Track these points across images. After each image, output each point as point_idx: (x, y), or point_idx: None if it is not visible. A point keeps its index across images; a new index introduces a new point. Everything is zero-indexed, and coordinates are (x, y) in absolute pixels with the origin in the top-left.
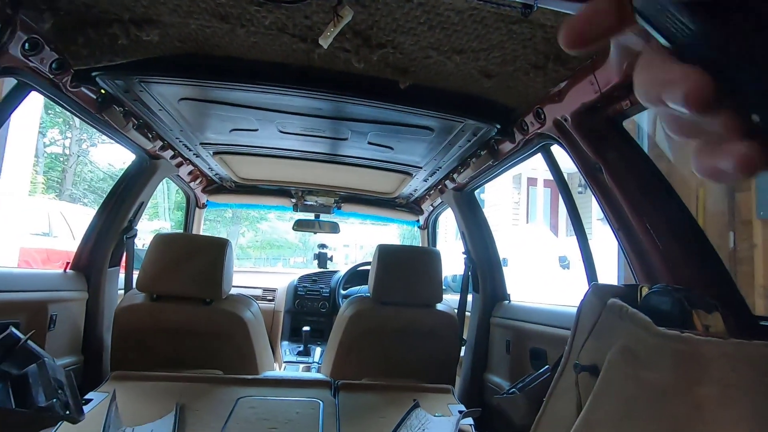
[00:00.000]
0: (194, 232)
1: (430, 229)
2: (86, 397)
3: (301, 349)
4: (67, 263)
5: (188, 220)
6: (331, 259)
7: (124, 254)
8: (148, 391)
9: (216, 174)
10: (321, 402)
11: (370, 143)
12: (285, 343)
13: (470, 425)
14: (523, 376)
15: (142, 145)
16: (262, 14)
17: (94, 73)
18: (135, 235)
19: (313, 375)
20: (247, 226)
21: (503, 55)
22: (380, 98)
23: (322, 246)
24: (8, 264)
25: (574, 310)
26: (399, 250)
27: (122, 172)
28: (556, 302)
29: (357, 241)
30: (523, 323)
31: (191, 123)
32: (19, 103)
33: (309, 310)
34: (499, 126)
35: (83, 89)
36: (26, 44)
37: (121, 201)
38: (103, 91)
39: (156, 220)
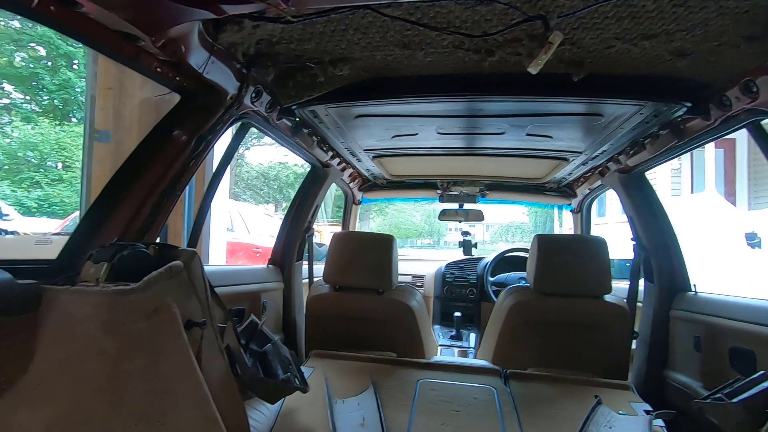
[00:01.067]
0: (351, 226)
1: (584, 213)
2: None
3: (453, 333)
4: (269, 259)
5: (346, 215)
6: (475, 246)
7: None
8: (343, 368)
9: (371, 173)
10: (494, 389)
11: (528, 134)
12: (437, 327)
13: (661, 427)
14: (728, 380)
15: (319, 157)
16: (442, 37)
17: (293, 107)
18: (313, 234)
19: (481, 362)
20: (376, 212)
21: (705, 32)
22: (549, 93)
23: (466, 234)
24: (221, 256)
25: None
26: (560, 240)
27: (270, 170)
28: (745, 286)
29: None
30: (718, 319)
31: (360, 134)
32: (243, 138)
33: (457, 296)
34: (689, 104)
35: (284, 120)
36: (253, 93)
37: (302, 205)
38: (297, 119)
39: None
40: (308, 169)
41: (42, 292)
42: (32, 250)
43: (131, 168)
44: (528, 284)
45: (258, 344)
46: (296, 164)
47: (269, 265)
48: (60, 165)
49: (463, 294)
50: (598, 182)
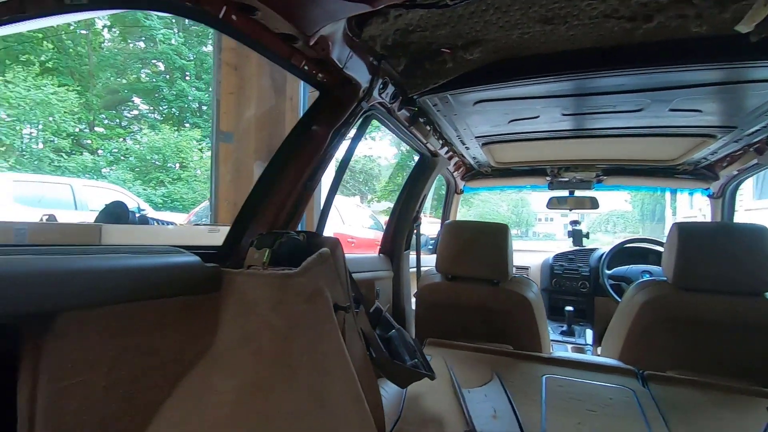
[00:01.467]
0: (452, 216)
1: (727, 198)
2: None
3: (564, 328)
4: (379, 248)
5: (447, 205)
6: (587, 236)
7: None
8: (460, 358)
9: (477, 161)
10: (632, 391)
11: (672, 110)
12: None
13: None
14: None
15: (430, 147)
16: (593, 6)
17: (415, 96)
18: (420, 224)
19: (611, 361)
20: (461, 202)
21: None
22: (715, 60)
23: (575, 223)
24: None
25: None
26: (706, 228)
27: (356, 163)
28: None
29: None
30: None
31: (475, 120)
32: (365, 130)
33: (567, 289)
34: None
35: (404, 110)
36: (381, 85)
37: (411, 196)
38: (416, 109)
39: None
40: (416, 159)
41: (222, 274)
42: (207, 237)
43: (279, 162)
44: (665, 278)
45: (382, 330)
46: (380, 156)
47: (380, 254)
48: (178, 166)
49: (573, 287)
50: (753, 161)
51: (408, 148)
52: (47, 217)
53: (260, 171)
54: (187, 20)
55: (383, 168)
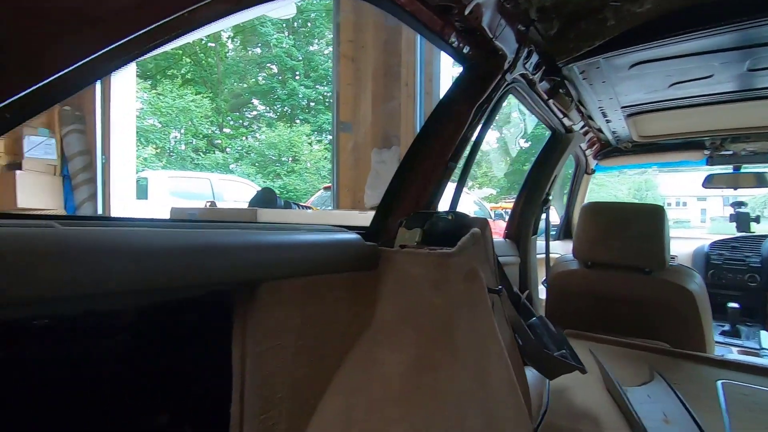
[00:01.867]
0: (579, 199)
1: None
2: None
3: (725, 328)
4: (504, 233)
5: (575, 188)
6: (756, 219)
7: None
8: (608, 353)
9: (616, 136)
10: None
11: None
12: None
13: None
14: None
15: (566, 122)
16: None
17: (560, 65)
18: (549, 207)
19: None
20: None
21: None
22: None
23: (739, 204)
24: None
25: None
26: None
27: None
28: None
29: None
30: None
31: (627, 87)
32: (501, 107)
33: (729, 283)
34: None
35: (544, 81)
36: (525, 54)
37: (539, 176)
38: (558, 79)
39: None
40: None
41: (379, 252)
42: (357, 218)
43: (422, 141)
44: None
45: (523, 317)
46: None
47: (506, 239)
48: (291, 159)
49: (738, 281)
50: None
51: (511, 132)
52: (210, 203)
53: (377, 158)
54: (295, 23)
55: (483, 154)
